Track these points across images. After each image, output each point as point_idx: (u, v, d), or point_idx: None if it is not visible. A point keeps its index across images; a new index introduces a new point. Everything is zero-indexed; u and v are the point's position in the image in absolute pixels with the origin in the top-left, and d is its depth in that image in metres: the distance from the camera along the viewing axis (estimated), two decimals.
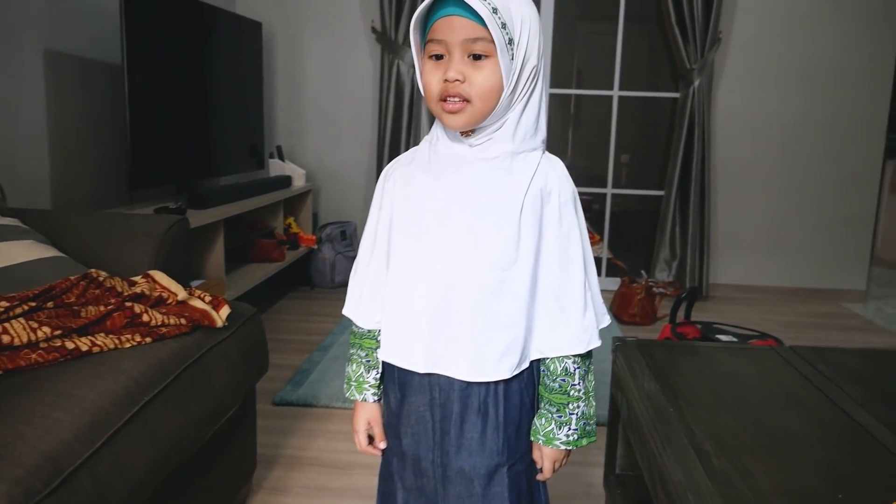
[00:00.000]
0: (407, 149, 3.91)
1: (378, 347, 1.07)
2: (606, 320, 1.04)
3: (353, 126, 4.13)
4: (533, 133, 0.97)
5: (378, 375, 1.09)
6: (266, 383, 2.12)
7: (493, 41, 0.87)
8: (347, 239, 4.00)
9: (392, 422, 1.07)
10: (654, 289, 3.53)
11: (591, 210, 4.27)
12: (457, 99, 0.91)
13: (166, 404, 1.25)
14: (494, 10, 0.86)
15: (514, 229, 0.94)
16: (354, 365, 1.10)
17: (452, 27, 0.88)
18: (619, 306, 3.45)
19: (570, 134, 5.07)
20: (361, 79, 4.07)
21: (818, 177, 3.95)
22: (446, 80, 0.90)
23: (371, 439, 1.11)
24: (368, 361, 1.09)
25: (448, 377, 0.98)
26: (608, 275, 4.13)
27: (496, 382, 0.98)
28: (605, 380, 1.61)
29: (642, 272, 3.79)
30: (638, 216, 4.50)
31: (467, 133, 0.96)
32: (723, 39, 3.80)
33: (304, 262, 3.90)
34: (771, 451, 1.09)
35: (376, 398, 1.10)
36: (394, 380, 1.05)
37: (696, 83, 3.73)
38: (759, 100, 3.90)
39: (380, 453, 1.11)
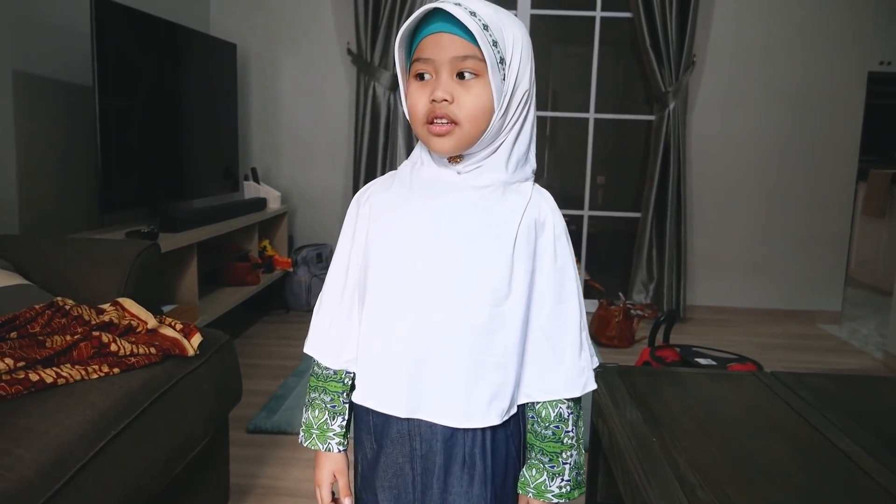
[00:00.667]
0: (383, 171, 3.92)
1: (345, 391, 0.98)
2: (596, 361, 0.96)
3: (328, 148, 4.10)
4: (524, 162, 0.92)
5: (343, 423, 0.99)
6: (240, 410, 2.07)
7: (483, 59, 0.82)
8: (323, 261, 3.96)
9: (368, 475, 0.96)
10: (632, 311, 3.53)
11: (568, 231, 4.26)
12: (444, 121, 0.84)
13: (134, 438, 1.21)
14: (485, 27, 0.81)
15: (508, 262, 0.87)
16: (317, 411, 0.99)
17: (440, 45, 0.83)
18: (596, 328, 3.44)
19: (545, 155, 5.10)
20: (337, 101, 4.05)
21: (793, 199, 4.00)
22: (433, 101, 0.84)
23: (334, 495, 1.00)
24: (334, 407, 0.98)
25: (430, 425, 0.89)
26: (586, 297, 4.12)
27: (483, 430, 0.89)
28: (587, 405, 1.59)
29: (620, 294, 3.80)
30: (614, 238, 4.52)
31: (455, 159, 0.89)
32: (697, 63, 3.85)
33: (280, 285, 3.85)
34: (755, 482, 1.08)
35: (342, 448, 0.99)
36: (369, 428, 0.95)
37: (672, 106, 3.77)
38: (733, 122, 3.95)
39: None
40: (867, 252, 5.22)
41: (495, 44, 0.83)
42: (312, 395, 1.00)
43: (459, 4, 0.82)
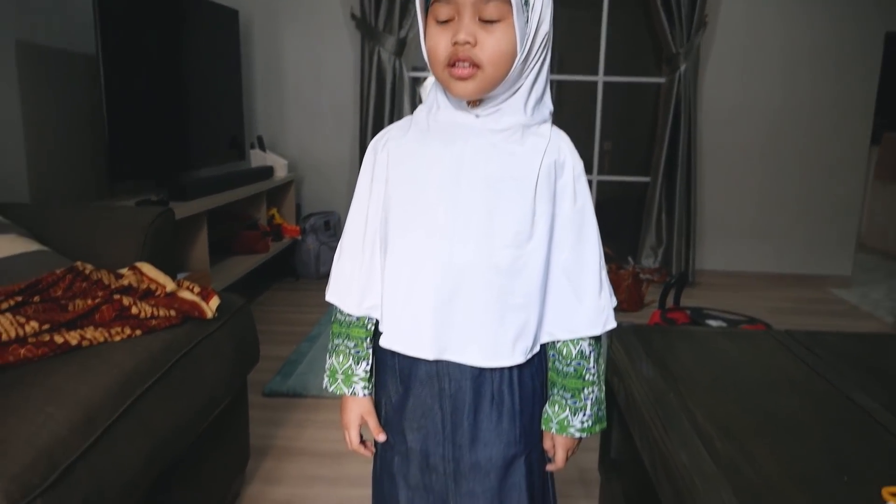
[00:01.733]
0: None
1: (368, 336, 1.00)
2: (614, 301, 0.98)
3: (334, 115, 4.08)
4: (542, 104, 0.92)
5: (368, 368, 1.00)
6: (256, 374, 2.09)
7: (506, 2, 0.81)
8: (331, 229, 3.97)
9: (394, 418, 0.98)
10: (641, 275, 3.54)
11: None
12: (466, 64, 0.84)
13: (159, 397, 1.23)
14: None
15: (530, 204, 0.88)
16: (341, 357, 1.00)
17: None
18: None
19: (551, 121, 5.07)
20: (342, 67, 4.02)
21: (805, 162, 3.97)
22: (455, 43, 0.83)
23: (362, 437, 1.03)
24: (358, 352, 1.00)
25: (458, 365, 0.91)
26: None
27: (510, 368, 0.92)
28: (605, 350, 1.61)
29: (629, 259, 3.80)
30: (623, 203, 4.51)
31: (474, 102, 0.89)
32: (709, 24, 3.80)
33: (288, 253, 3.86)
34: (773, 435, 1.09)
35: (367, 392, 1.01)
36: (395, 371, 0.97)
37: (682, 68, 3.73)
38: (745, 85, 3.91)
39: (371, 453, 1.03)
40: (879, 217, 5.20)
41: None
42: (336, 342, 1.02)
43: None
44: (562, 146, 0.92)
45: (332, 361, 1.02)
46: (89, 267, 1.46)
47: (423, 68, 4.03)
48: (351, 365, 1.00)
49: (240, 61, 3.65)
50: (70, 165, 2.63)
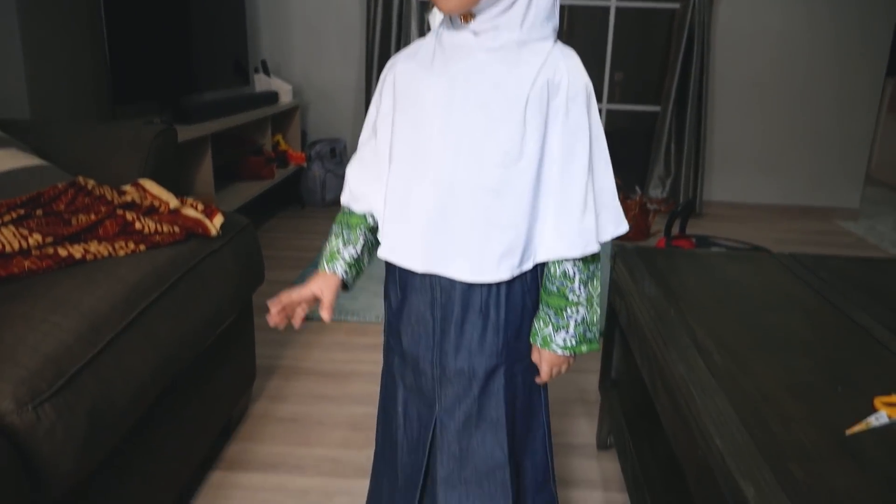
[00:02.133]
0: None
1: (364, 226, 1.04)
2: (624, 227, 0.99)
3: (340, 40, 4.00)
4: (544, 20, 0.89)
5: (354, 254, 1.04)
6: (262, 297, 2.11)
7: None
8: (337, 156, 3.94)
9: (392, 321, 1.05)
10: (648, 205, 3.52)
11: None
12: None
13: (165, 311, 1.24)
14: None
15: (519, 124, 0.88)
16: (333, 239, 1.06)
17: None
18: None
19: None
20: None
21: (817, 94, 3.89)
22: None
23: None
24: (348, 237, 1.05)
25: (450, 278, 0.95)
26: None
27: (498, 284, 0.95)
28: (602, 290, 1.61)
29: (636, 188, 3.77)
30: (632, 133, 4.45)
31: (467, 17, 0.87)
32: None
33: (294, 180, 3.85)
34: (772, 350, 1.10)
35: (344, 275, 1.03)
36: (395, 279, 1.02)
37: None
38: (760, 13, 3.80)
39: (272, 322, 1.05)
40: (890, 151, 5.12)
41: None
42: (333, 229, 1.07)
43: None
44: (560, 66, 0.89)
45: (324, 245, 1.08)
46: (91, 182, 1.45)
47: None
48: (339, 246, 1.05)
49: None
50: (71, 87, 2.60)
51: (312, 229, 3.50)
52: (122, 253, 1.29)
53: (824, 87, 3.88)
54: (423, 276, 0.97)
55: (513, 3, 0.86)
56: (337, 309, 2.38)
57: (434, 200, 0.91)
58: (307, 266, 2.87)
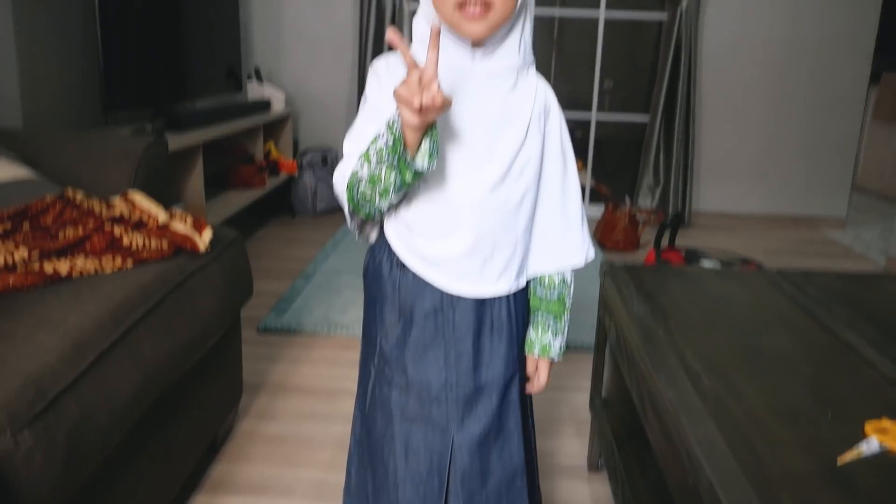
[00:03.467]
0: None
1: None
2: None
3: (333, 49, 4.00)
4: (531, 47, 0.97)
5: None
6: (250, 311, 2.11)
7: None
8: (329, 165, 3.94)
9: (393, 353, 1.01)
10: (638, 215, 3.52)
11: (574, 137, 4.18)
12: (478, 5, 0.86)
13: (151, 329, 1.23)
14: None
15: (522, 145, 0.94)
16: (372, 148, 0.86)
17: None
18: (602, 233, 3.45)
19: (552, 59, 4.96)
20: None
21: (803, 103, 3.92)
22: None
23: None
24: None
25: (461, 296, 0.97)
26: (592, 201, 4.12)
27: (508, 296, 1.00)
28: (593, 306, 1.61)
29: (626, 199, 3.78)
30: (621, 143, 4.46)
31: (478, 42, 0.91)
32: None
33: (285, 189, 3.84)
34: (761, 372, 1.10)
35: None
36: (395, 306, 1.00)
37: (684, 4, 3.64)
38: (746, 23, 3.83)
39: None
40: (876, 158, 5.15)
41: None
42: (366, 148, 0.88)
43: None
44: (547, 92, 0.99)
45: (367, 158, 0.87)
46: (80, 195, 1.44)
47: None
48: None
49: None
50: (64, 94, 2.59)
51: (302, 239, 3.48)
52: (108, 269, 1.28)
53: (809, 96, 3.91)
54: (434, 298, 0.97)
55: (510, 31, 0.92)
56: (325, 322, 2.39)
57: (444, 219, 0.94)
58: (296, 277, 2.86)
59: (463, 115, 0.92)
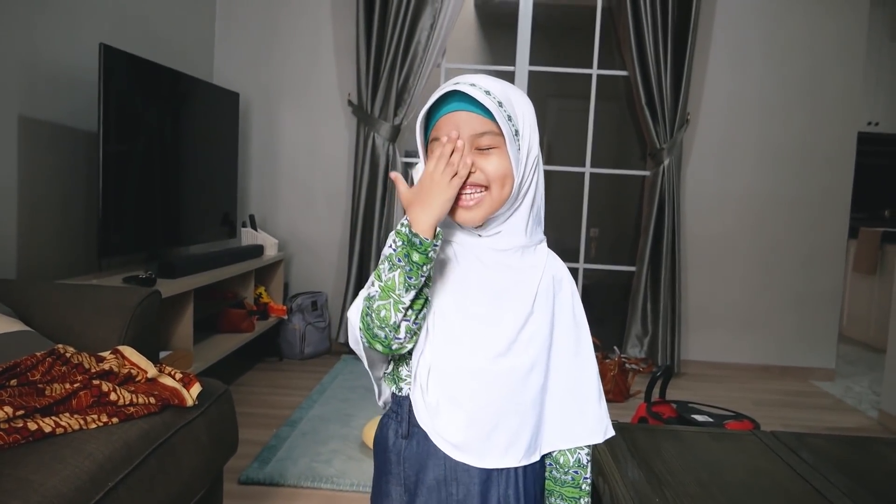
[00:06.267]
0: (381, 221, 3.94)
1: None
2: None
3: (327, 197, 4.13)
4: (539, 225, 0.98)
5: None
6: (232, 460, 2.04)
7: (499, 133, 0.89)
8: (318, 309, 3.95)
9: None
10: (627, 365, 3.52)
11: None
12: (472, 191, 0.90)
13: (131, 490, 1.19)
14: (500, 104, 0.88)
15: (529, 316, 0.94)
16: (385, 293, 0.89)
17: (459, 122, 0.90)
18: None
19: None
20: (336, 151, 4.09)
21: (786, 255, 4.03)
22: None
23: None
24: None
25: (466, 468, 0.93)
26: None
27: (515, 472, 0.95)
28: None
29: (615, 348, 3.79)
30: (610, 290, 4.53)
31: (478, 226, 0.94)
32: (691, 120, 3.92)
33: (274, 332, 3.83)
34: None
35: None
36: (400, 480, 0.98)
37: (666, 162, 3.82)
38: (727, 179, 4.01)
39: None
40: (859, 309, 5.25)
41: (509, 118, 0.90)
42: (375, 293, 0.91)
43: (475, 85, 0.89)
44: (557, 265, 0.99)
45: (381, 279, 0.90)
46: (70, 350, 1.44)
47: (416, 153, 4.12)
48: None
49: (237, 142, 3.72)
50: (60, 239, 2.63)
51: (289, 384, 3.43)
52: (93, 426, 1.26)
53: (792, 249, 4.02)
54: (438, 470, 0.95)
55: (515, 212, 0.95)
56: (310, 475, 2.31)
57: (449, 387, 0.93)
58: (281, 425, 2.80)
59: (468, 285, 0.94)
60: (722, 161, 4.00)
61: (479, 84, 0.89)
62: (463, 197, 0.90)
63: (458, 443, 0.93)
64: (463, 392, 0.93)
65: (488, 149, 0.90)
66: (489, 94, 0.88)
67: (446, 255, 0.96)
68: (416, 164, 4.14)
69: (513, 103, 0.91)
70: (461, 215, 0.92)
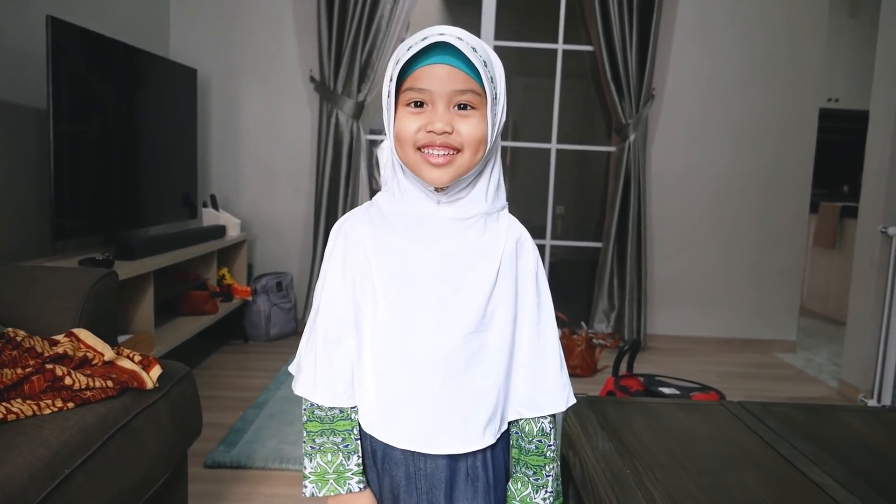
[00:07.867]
0: (346, 199, 3.89)
1: (354, 427, 0.94)
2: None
3: (290, 176, 4.06)
4: (500, 192, 0.94)
5: (359, 461, 0.93)
6: (197, 443, 1.99)
7: (480, 94, 0.85)
8: (283, 290, 3.90)
9: None
10: (594, 340, 3.54)
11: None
12: (443, 151, 0.85)
13: (90, 477, 1.15)
14: (485, 63, 0.84)
15: (493, 290, 0.91)
16: (329, 455, 0.92)
17: (439, 76, 0.84)
18: None
19: (506, 186, 5.15)
20: (299, 128, 4.02)
21: (749, 230, 4.08)
22: (431, 131, 0.84)
23: None
24: (347, 446, 0.93)
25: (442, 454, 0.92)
26: None
27: (483, 448, 0.93)
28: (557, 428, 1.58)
29: (582, 324, 3.81)
30: (576, 267, 4.55)
31: (441, 189, 0.89)
32: (656, 96, 3.93)
33: (238, 314, 3.76)
34: None
35: (362, 486, 0.93)
36: (368, 453, 0.95)
37: (632, 137, 3.83)
38: (691, 155, 4.03)
39: None
40: (819, 283, 5.35)
41: (492, 80, 0.86)
42: (319, 441, 0.93)
43: (462, 39, 0.84)
44: (521, 232, 0.95)
45: (317, 462, 0.93)
46: (21, 333, 1.38)
47: (380, 131, 4.07)
48: (342, 461, 0.93)
49: (196, 120, 3.62)
50: (12, 221, 2.54)
51: (255, 366, 3.39)
52: (47, 412, 1.21)
53: (755, 224, 4.07)
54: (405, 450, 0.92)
55: (478, 176, 0.91)
56: (278, 457, 2.28)
57: (416, 375, 0.90)
58: (247, 408, 2.75)
59: (427, 263, 0.89)
60: (686, 137, 4.02)
61: (465, 39, 0.84)
62: (431, 154, 0.85)
63: (428, 436, 0.91)
64: (425, 379, 0.90)
65: (465, 108, 0.85)
66: (475, 52, 0.83)
67: (402, 229, 0.91)
68: (381, 141, 4.08)
69: (493, 65, 0.87)
70: (430, 173, 0.86)
